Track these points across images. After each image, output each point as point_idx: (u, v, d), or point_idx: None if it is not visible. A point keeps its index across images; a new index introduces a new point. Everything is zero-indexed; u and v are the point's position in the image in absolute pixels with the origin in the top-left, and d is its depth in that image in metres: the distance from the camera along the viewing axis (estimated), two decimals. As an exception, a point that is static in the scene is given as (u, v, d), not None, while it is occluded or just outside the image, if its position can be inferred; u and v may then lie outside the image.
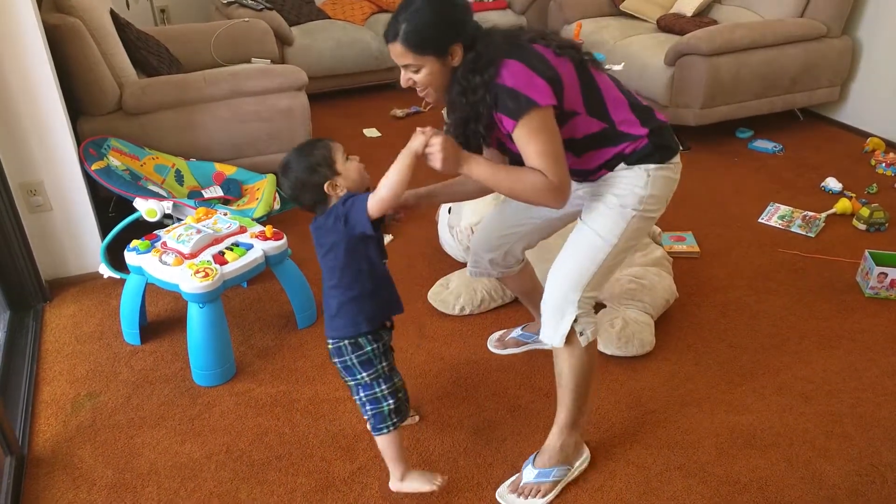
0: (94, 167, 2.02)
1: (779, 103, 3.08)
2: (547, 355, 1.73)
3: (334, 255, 1.24)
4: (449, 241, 2.17)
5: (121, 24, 2.48)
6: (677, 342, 1.84)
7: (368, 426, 1.33)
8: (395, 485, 1.37)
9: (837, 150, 3.00)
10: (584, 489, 1.41)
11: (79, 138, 2.15)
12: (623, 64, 2.93)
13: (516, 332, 1.84)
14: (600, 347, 1.76)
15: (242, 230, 1.83)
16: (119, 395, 1.69)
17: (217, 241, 1.76)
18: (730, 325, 1.91)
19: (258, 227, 1.84)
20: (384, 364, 1.30)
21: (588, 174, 1.32)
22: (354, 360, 1.28)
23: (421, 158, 1.18)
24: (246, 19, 3.09)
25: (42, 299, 2.05)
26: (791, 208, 2.50)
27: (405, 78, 1.24)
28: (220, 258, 1.68)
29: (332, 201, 1.23)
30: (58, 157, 1.99)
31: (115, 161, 2.13)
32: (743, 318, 1.94)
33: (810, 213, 2.46)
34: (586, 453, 1.47)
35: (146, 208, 1.95)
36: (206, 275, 1.61)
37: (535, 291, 1.62)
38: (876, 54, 3.02)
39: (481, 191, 1.43)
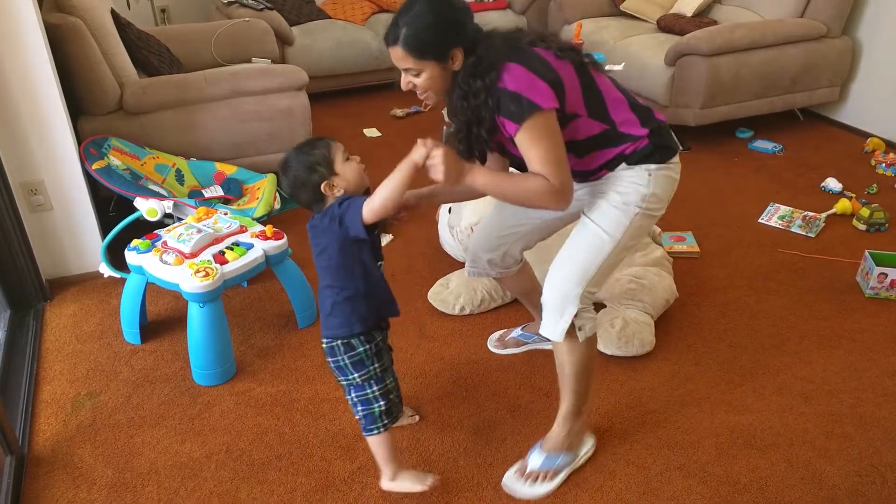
0: (94, 166, 2.02)
1: (779, 103, 3.08)
2: (547, 355, 1.74)
3: (328, 256, 1.24)
4: (449, 240, 2.17)
5: (121, 24, 2.48)
6: (677, 342, 1.84)
7: (360, 426, 1.33)
8: (386, 484, 1.38)
9: (837, 151, 3.00)
10: (584, 489, 1.41)
11: (79, 138, 2.16)
12: (623, 64, 2.93)
13: (516, 331, 1.85)
14: (600, 347, 1.76)
15: (243, 230, 1.83)
16: (119, 394, 1.69)
17: (217, 240, 1.76)
18: (730, 325, 1.91)
19: (258, 227, 1.85)
20: (376, 366, 1.30)
21: (589, 174, 1.33)
22: (347, 361, 1.28)
23: (422, 170, 1.18)
24: (246, 19, 3.09)
25: (42, 298, 2.05)
26: (791, 208, 2.50)
27: (405, 81, 1.24)
28: (220, 258, 1.69)
29: (329, 201, 1.23)
30: (58, 156, 1.99)
31: (115, 160, 2.13)
32: (743, 318, 1.94)
33: (810, 214, 2.46)
34: (591, 442, 1.49)
35: (147, 208, 1.96)
36: (207, 274, 1.61)
37: (534, 291, 1.63)
38: (876, 54, 3.03)
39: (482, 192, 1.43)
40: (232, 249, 1.72)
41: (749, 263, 2.21)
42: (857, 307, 1.98)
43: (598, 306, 1.89)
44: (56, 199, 2.04)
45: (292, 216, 2.26)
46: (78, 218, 2.09)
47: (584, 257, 1.30)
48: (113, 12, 2.48)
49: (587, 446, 1.48)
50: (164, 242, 1.73)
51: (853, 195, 2.57)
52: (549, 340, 1.36)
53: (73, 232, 2.10)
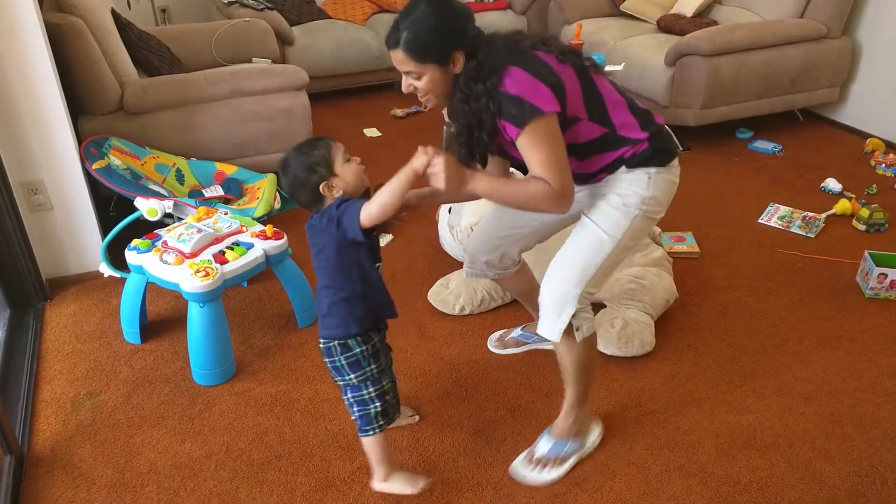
0: (94, 166, 2.02)
1: (779, 104, 3.08)
2: (547, 355, 1.74)
3: (325, 256, 1.24)
4: (449, 240, 2.17)
5: (122, 24, 2.48)
6: (677, 342, 1.85)
7: (356, 427, 1.33)
8: (378, 485, 1.38)
9: (837, 151, 3.00)
10: (584, 489, 1.41)
11: (80, 137, 2.15)
12: (623, 64, 2.93)
13: (516, 332, 1.85)
14: (601, 347, 1.76)
15: (243, 229, 1.83)
16: (119, 394, 1.69)
17: (217, 240, 1.76)
18: (730, 326, 1.91)
19: (258, 227, 1.85)
20: (373, 367, 1.30)
21: (590, 177, 1.33)
22: (343, 362, 1.28)
23: (422, 178, 1.18)
24: (247, 19, 3.09)
25: (42, 298, 2.05)
26: (791, 209, 2.50)
27: (406, 84, 1.24)
28: (220, 257, 1.69)
29: (328, 202, 1.23)
30: (59, 156, 1.99)
31: (115, 160, 2.13)
32: (743, 319, 1.94)
33: (810, 214, 2.46)
34: (598, 429, 1.51)
35: (147, 207, 1.96)
36: (207, 274, 1.61)
37: (532, 292, 1.63)
38: (876, 55, 3.03)
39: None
40: (232, 249, 1.72)
41: (749, 264, 2.21)
42: (856, 307, 1.98)
43: (598, 306, 1.89)
44: (56, 198, 2.04)
45: (292, 216, 2.25)
46: (78, 217, 2.09)
47: (584, 258, 1.30)
48: (113, 12, 2.48)
49: (594, 434, 1.51)
50: (165, 242, 1.73)
51: (853, 196, 2.57)
52: (549, 340, 1.36)
53: (73, 231, 2.10)
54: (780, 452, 1.50)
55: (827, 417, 1.59)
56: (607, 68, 2.74)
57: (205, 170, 2.32)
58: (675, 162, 1.33)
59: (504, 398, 1.66)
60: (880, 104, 3.05)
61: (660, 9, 3.42)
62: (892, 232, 2.38)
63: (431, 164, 1.16)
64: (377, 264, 1.29)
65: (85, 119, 2.25)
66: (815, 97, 3.13)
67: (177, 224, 1.83)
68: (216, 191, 2.20)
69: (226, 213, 1.90)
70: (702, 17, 3.26)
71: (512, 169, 1.43)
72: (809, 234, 2.36)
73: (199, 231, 1.74)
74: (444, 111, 1.40)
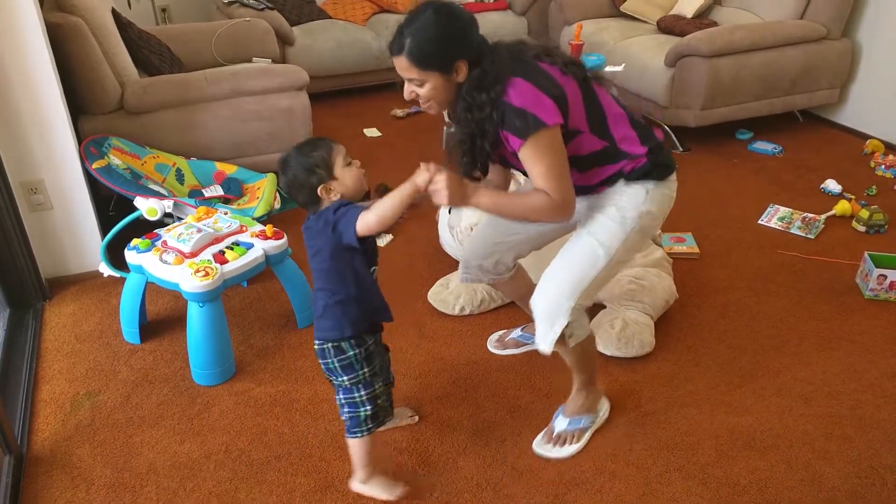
0: (94, 166, 2.02)
1: (779, 105, 3.08)
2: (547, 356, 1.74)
3: (321, 259, 1.24)
4: (449, 241, 2.17)
5: (122, 24, 2.48)
6: (677, 343, 1.84)
7: (344, 427, 1.34)
8: (356, 486, 1.38)
9: (837, 152, 3.00)
10: (584, 490, 1.41)
11: (80, 137, 2.15)
12: (623, 65, 2.93)
13: (516, 332, 1.85)
14: (600, 348, 1.76)
15: (243, 229, 1.83)
16: (118, 394, 1.69)
17: (217, 240, 1.76)
18: (729, 327, 1.91)
19: (258, 227, 1.84)
20: (365, 370, 1.30)
21: (590, 189, 1.35)
22: (336, 364, 1.28)
23: (425, 195, 1.18)
24: (247, 19, 3.09)
25: (42, 298, 2.05)
26: (791, 210, 2.51)
27: (409, 91, 1.24)
28: (220, 257, 1.68)
29: (325, 204, 1.22)
30: (59, 155, 1.99)
31: (115, 160, 2.13)
32: (743, 320, 1.94)
33: (810, 215, 2.46)
34: (607, 403, 1.59)
35: (147, 207, 1.95)
36: (207, 274, 1.61)
37: (529, 295, 1.63)
38: (875, 56, 3.03)
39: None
40: (232, 249, 1.72)
41: (749, 265, 2.21)
42: (856, 309, 1.99)
43: (598, 307, 1.89)
44: (56, 198, 2.04)
45: (292, 216, 2.25)
46: (78, 217, 2.09)
47: (579, 270, 1.32)
48: (114, 12, 2.48)
49: (605, 407, 1.58)
50: (164, 242, 1.73)
51: (853, 197, 2.57)
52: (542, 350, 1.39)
53: (72, 231, 2.10)
54: (779, 454, 1.50)
55: (826, 419, 1.59)
56: (607, 69, 2.74)
57: (205, 169, 2.32)
58: (673, 176, 1.35)
59: (504, 399, 1.66)
60: (880, 105, 3.05)
61: (660, 10, 3.42)
62: (891, 233, 2.38)
63: (433, 180, 1.16)
64: (373, 268, 1.29)
65: (85, 119, 2.25)
66: (815, 98, 3.13)
67: (176, 224, 1.83)
68: (216, 190, 2.20)
69: (226, 213, 1.90)
70: (702, 19, 3.27)
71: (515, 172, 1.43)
72: (809, 236, 2.36)
73: (199, 231, 1.74)
74: (445, 113, 1.40)
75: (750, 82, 2.92)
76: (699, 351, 1.82)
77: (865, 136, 3.08)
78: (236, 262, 1.69)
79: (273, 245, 1.78)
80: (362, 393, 1.30)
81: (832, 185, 2.66)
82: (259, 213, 2.06)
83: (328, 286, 1.26)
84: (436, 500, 1.39)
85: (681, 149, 3.04)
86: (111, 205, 2.30)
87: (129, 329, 1.86)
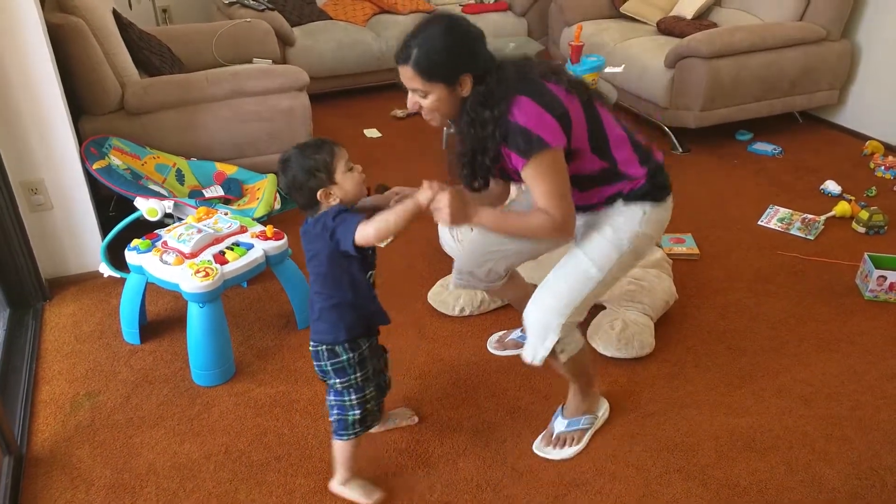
0: (95, 166, 2.02)
1: (778, 106, 3.08)
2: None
3: (318, 263, 1.24)
4: (449, 241, 2.17)
5: (123, 24, 2.48)
6: (677, 344, 1.85)
7: (331, 427, 1.34)
8: (335, 487, 1.39)
9: (837, 153, 3.01)
10: (583, 491, 1.41)
11: (80, 137, 2.15)
12: (623, 66, 2.93)
13: (516, 333, 1.85)
14: (600, 349, 1.77)
15: (243, 230, 1.83)
16: (118, 394, 1.69)
17: (217, 240, 1.76)
18: (729, 328, 1.92)
19: (259, 227, 1.85)
20: (358, 375, 1.30)
21: (589, 208, 1.36)
22: (329, 367, 1.29)
23: (426, 213, 1.18)
24: (248, 20, 3.10)
25: (42, 298, 2.05)
26: (790, 211, 2.51)
27: (412, 101, 1.25)
28: (220, 258, 1.68)
29: (323, 208, 1.22)
30: (59, 155, 1.99)
31: (116, 160, 2.13)
32: (742, 321, 1.94)
33: (810, 216, 2.46)
34: (607, 404, 1.59)
35: (147, 207, 1.95)
36: (207, 274, 1.61)
37: (527, 298, 1.64)
38: (875, 57, 3.03)
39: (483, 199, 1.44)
40: (232, 249, 1.72)
41: (748, 266, 2.21)
42: (856, 310, 1.99)
43: (598, 308, 1.89)
44: (56, 198, 2.04)
45: (292, 217, 2.25)
46: (78, 217, 2.09)
47: (571, 288, 1.33)
48: (114, 12, 2.48)
49: (604, 408, 1.58)
50: (165, 242, 1.73)
51: (852, 198, 2.57)
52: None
53: (73, 231, 2.10)
54: (779, 455, 1.50)
55: (826, 420, 1.59)
56: (607, 70, 2.74)
57: (205, 170, 2.32)
58: (670, 198, 1.37)
59: (504, 400, 1.66)
60: (879, 106, 3.05)
61: (660, 11, 3.43)
62: (891, 234, 2.38)
63: (436, 199, 1.17)
64: (370, 273, 1.29)
65: (86, 119, 2.25)
66: (815, 99, 3.14)
67: (177, 224, 1.83)
68: (216, 191, 2.20)
69: (226, 214, 1.90)
70: (701, 20, 3.27)
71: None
72: (809, 237, 2.36)
73: (199, 231, 1.74)
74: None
75: (750, 83, 2.92)
76: (699, 352, 1.82)
77: (865, 138, 3.08)
78: (236, 263, 1.69)
79: (273, 246, 1.78)
80: (353, 397, 1.30)
81: (832, 187, 2.66)
82: (259, 213, 2.06)
83: (325, 290, 1.26)
84: (436, 501, 1.39)
85: (680, 150, 3.04)
86: (111, 205, 2.30)
87: (129, 329, 1.86)
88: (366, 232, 1.16)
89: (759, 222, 2.46)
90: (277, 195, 2.20)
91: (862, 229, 2.39)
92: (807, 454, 1.50)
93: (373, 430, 1.55)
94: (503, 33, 3.85)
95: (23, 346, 1.85)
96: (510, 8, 4.02)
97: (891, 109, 3.01)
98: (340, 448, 1.35)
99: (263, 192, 2.18)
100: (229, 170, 2.33)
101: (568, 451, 1.48)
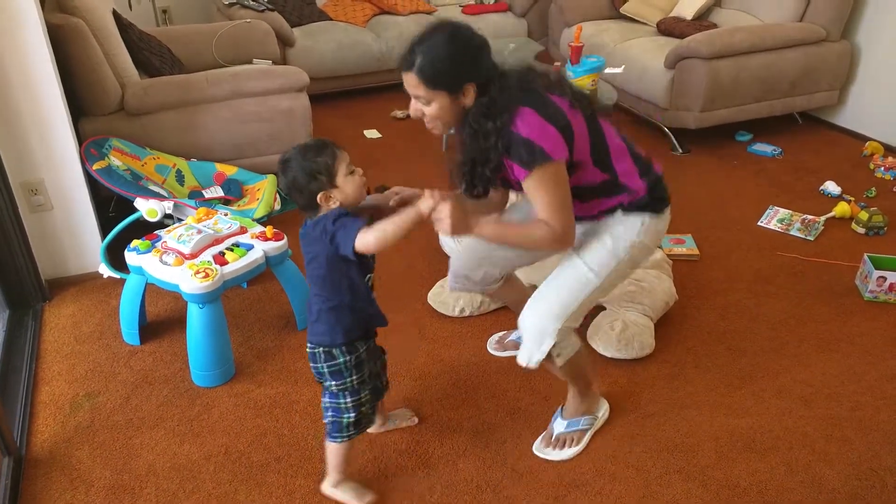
0: (95, 167, 2.02)
1: (778, 107, 3.08)
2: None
3: (317, 265, 1.24)
4: (449, 241, 2.16)
5: (123, 25, 2.48)
6: (677, 345, 1.85)
7: (325, 429, 1.34)
8: (327, 489, 1.39)
9: (836, 154, 3.01)
10: (583, 492, 1.41)
11: (80, 138, 2.15)
12: (623, 67, 2.93)
13: (516, 334, 1.85)
14: (600, 350, 1.77)
15: (243, 231, 1.83)
16: (118, 395, 1.69)
17: (217, 241, 1.76)
18: (729, 328, 1.92)
19: (258, 228, 1.85)
20: (354, 378, 1.30)
21: (589, 218, 1.37)
22: (325, 369, 1.29)
23: (428, 222, 1.18)
24: (248, 20, 3.10)
25: (41, 299, 2.05)
26: (790, 212, 2.51)
27: (415, 108, 1.25)
28: (220, 258, 1.68)
29: (323, 211, 1.21)
30: (59, 156, 1.99)
31: (116, 161, 2.13)
32: (742, 321, 1.94)
33: (809, 217, 2.46)
34: (606, 405, 1.59)
35: (147, 208, 1.95)
36: (207, 275, 1.61)
37: (524, 301, 1.63)
38: (875, 58, 3.03)
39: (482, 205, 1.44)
40: (232, 250, 1.72)
41: (748, 266, 2.21)
42: (856, 310, 1.99)
43: (599, 308, 1.89)
44: (56, 199, 2.04)
45: (292, 217, 2.25)
46: (78, 218, 2.09)
47: (568, 293, 1.33)
48: (115, 13, 2.48)
49: (603, 408, 1.58)
50: (164, 243, 1.73)
51: (852, 198, 2.58)
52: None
53: (72, 232, 2.10)
54: (779, 455, 1.50)
55: (826, 421, 1.59)
56: (607, 71, 2.74)
57: (205, 171, 2.32)
58: (668, 210, 1.38)
59: (504, 400, 1.66)
60: (879, 107, 3.06)
61: (659, 11, 3.43)
62: (891, 235, 2.38)
63: (437, 209, 1.17)
64: (369, 276, 1.29)
65: (86, 120, 2.25)
66: (815, 100, 3.14)
67: (177, 225, 1.83)
68: (216, 192, 2.20)
69: (226, 214, 1.90)
70: (701, 20, 3.27)
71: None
72: (809, 237, 2.36)
73: (199, 232, 1.74)
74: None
75: (749, 84, 2.92)
76: (699, 353, 1.82)
77: (865, 138, 3.08)
78: (236, 264, 1.69)
79: (273, 246, 1.78)
80: (348, 400, 1.30)
81: (831, 187, 2.66)
82: (259, 214, 2.06)
83: (323, 292, 1.26)
84: (436, 502, 1.39)
85: (680, 150, 3.04)
86: (111, 206, 2.30)
87: (128, 330, 1.86)
88: (366, 239, 1.16)
89: (759, 223, 2.46)
90: (277, 196, 2.20)
91: (862, 230, 2.39)
92: (807, 455, 1.50)
93: (372, 431, 1.55)
94: (503, 34, 3.85)
95: (22, 346, 1.85)
96: (510, 9, 4.02)
97: (890, 110, 3.01)
98: (334, 450, 1.35)
99: (263, 192, 2.18)
100: (229, 170, 2.33)
101: (568, 452, 1.49)
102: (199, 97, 2.33)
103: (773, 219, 2.48)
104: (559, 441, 1.50)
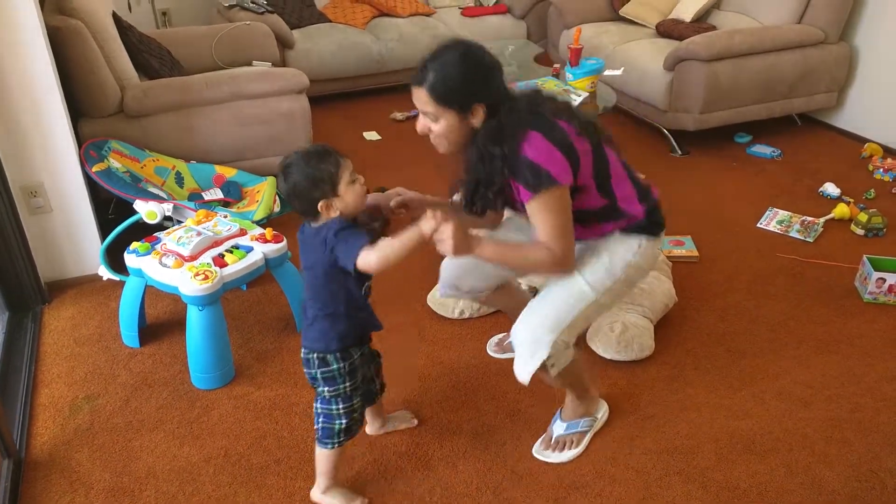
0: (94, 169, 2.02)
1: (777, 108, 3.09)
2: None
3: (314, 275, 1.23)
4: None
5: (123, 27, 2.48)
6: (676, 347, 1.85)
7: (315, 434, 1.33)
8: (316, 495, 1.38)
9: (835, 156, 3.01)
10: (583, 494, 1.41)
11: (80, 140, 2.15)
12: (622, 69, 2.94)
13: (516, 336, 1.84)
14: (600, 352, 1.77)
15: (242, 233, 1.83)
16: (117, 397, 1.69)
17: (217, 243, 1.76)
18: (729, 330, 1.92)
19: (258, 230, 1.85)
20: (347, 384, 1.29)
21: (588, 239, 1.38)
22: (319, 375, 1.28)
23: (429, 243, 1.19)
24: (247, 22, 3.10)
25: (41, 301, 2.05)
26: (789, 213, 2.51)
27: (422, 125, 1.25)
28: (219, 261, 1.68)
29: (323, 219, 1.20)
30: (58, 158, 1.99)
31: (115, 163, 2.13)
32: (742, 323, 1.95)
33: (809, 218, 2.47)
34: (605, 406, 1.60)
35: (146, 210, 1.95)
36: (206, 277, 1.61)
37: (518, 307, 1.63)
38: (873, 60, 3.04)
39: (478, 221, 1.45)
40: (231, 252, 1.72)
41: (748, 268, 2.21)
42: (855, 312, 1.99)
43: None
44: (56, 201, 2.04)
45: (292, 219, 2.24)
46: (77, 220, 2.09)
47: (563, 305, 1.33)
48: (114, 15, 2.49)
49: (603, 410, 1.59)
50: (164, 245, 1.73)
51: (851, 200, 2.58)
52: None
53: (72, 234, 2.10)
54: (779, 457, 1.50)
55: (826, 422, 1.59)
56: (606, 73, 2.75)
57: (204, 173, 2.32)
58: (663, 234, 1.41)
59: (503, 402, 1.66)
60: (878, 109, 3.06)
61: (659, 13, 3.44)
62: (890, 236, 2.38)
63: (439, 230, 1.17)
64: (366, 284, 1.28)
65: (85, 122, 2.25)
66: (813, 102, 3.14)
67: (176, 227, 1.83)
68: (216, 194, 2.20)
69: (225, 217, 1.90)
70: (700, 22, 3.28)
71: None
72: (808, 239, 2.36)
73: (199, 234, 1.74)
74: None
75: (748, 86, 2.93)
76: (698, 354, 1.82)
77: (863, 140, 3.08)
78: (236, 266, 1.69)
79: (272, 248, 1.78)
80: (340, 406, 1.30)
81: (831, 189, 2.66)
82: (258, 216, 2.06)
83: (319, 300, 1.25)
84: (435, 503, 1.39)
85: (680, 152, 3.05)
86: (110, 208, 2.30)
87: (128, 332, 1.86)
88: (368, 259, 1.15)
89: (759, 224, 2.47)
90: (277, 198, 2.20)
91: (861, 231, 2.39)
92: (807, 456, 1.50)
93: (372, 433, 1.55)
94: (502, 36, 3.86)
95: (22, 349, 1.85)
96: (509, 11, 4.02)
97: (889, 112, 3.01)
98: (324, 456, 1.34)
99: (263, 194, 2.18)
100: (229, 172, 2.33)
101: (567, 454, 1.49)
102: (198, 99, 2.33)
103: (773, 220, 2.48)
104: (559, 443, 1.50)
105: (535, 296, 1.41)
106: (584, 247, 1.37)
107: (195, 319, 1.64)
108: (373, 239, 1.19)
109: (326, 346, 1.26)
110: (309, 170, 1.17)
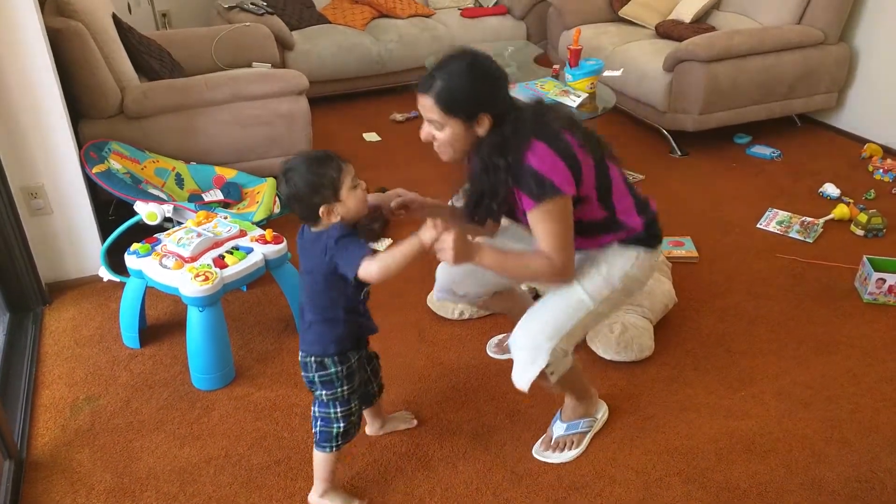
0: (94, 170, 2.03)
1: (777, 109, 3.09)
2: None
3: (313, 279, 1.23)
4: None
5: (123, 29, 2.49)
6: (676, 347, 1.85)
7: (314, 438, 1.33)
8: (313, 499, 1.39)
9: (835, 156, 3.01)
10: (583, 495, 1.41)
11: (80, 142, 2.16)
12: (622, 70, 2.94)
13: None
14: (600, 353, 1.77)
15: (242, 234, 1.83)
16: (118, 398, 1.69)
17: (217, 244, 1.76)
18: (728, 331, 1.92)
19: (258, 231, 1.85)
20: (345, 388, 1.29)
21: (587, 249, 1.39)
22: (316, 378, 1.28)
23: (430, 252, 1.19)
24: (247, 24, 3.11)
25: (41, 302, 2.05)
26: (789, 214, 2.51)
27: (426, 132, 1.25)
28: (220, 262, 1.69)
29: (323, 224, 1.20)
30: (59, 160, 2.00)
31: (115, 164, 2.13)
32: (742, 324, 1.95)
33: (808, 219, 2.47)
34: (605, 407, 1.60)
35: (146, 211, 1.96)
36: (206, 278, 1.62)
37: (520, 311, 1.63)
38: (873, 61, 3.04)
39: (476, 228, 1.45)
40: (231, 253, 1.72)
41: (748, 268, 2.22)
42: (855, 312, 1.99)
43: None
44: (56, 202, 2.04)
45: (292, 220, 2.24)
46: (78, 222, 2.09)
47: (562, 313, 1.34)
48: (114, 16, 2.49)
49: (602, 410, 1.59)
50: (164, 246, 1.73)
51: (851, 200, 2.58)
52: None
53: (72, 236, 2.10)
54: (779, 457, 1.50)
55: (826, 422, 1.59)
56: (606, 74, 2.75)
57: (204, 174, 2.32)
58: (660, 247, 1.42)
59: (503, 403, 1.66)
60: (878, 110, 3.06)
61: (658, 14, 3.44)
62: (890, 237, 2.38)
63: (440, 239, 1.17)
64: (365, 289, 1.28)
65: (85, 123, 2.26)
66: (813, 103, 3.14)
67: (176, 228, 1.83)
68: (216, 195, 2.21)
69: (225, 218, 1.91)
70: (700, 23, 3.28)
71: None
72: (808, 239, 2.36)
73: (199, 235, 1.74)
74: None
75: (748, 87, 2.93)
76: (698, 355, 1.82)
77: (863, 141, 3.08)
78: (236, 267, 1.69)
79: (273, 250, 1.78)
80: (338, 410, 1.30)
81: (830, 189, 2.66)
82: (258, 217, 2.06)
83: (317, 305, 1.25)
84: (435, 505, 1.39)
85: (679, 153, 3.05)
86: (111, 209, 2.30)
87: (128, 333, 1.86)
88: (369, 270, 1.15)
89: (758, 225, 2.47)
90: (277, 199, 2.20)
91: (861, 232, 2.39)
92: (806, 457, 1.50)
93: (372, 434, 1.55)
94: (502, 37, 3.86)
95: (23, 350, 1.85)
96: (509, 11, 4.03)
97: (889, 112, 3.01)
98: (321, 459, 1.34)
99: (263, 195, 2.19)
100: (229, 174, 2.33)
101: (567, 455, 1.49)
102: (198, 101, 2.34)
103: (772, 221, 2.48)
104: (559, 444, 1.50)
105: (535, 298, 1.42)
106: (584, 257, 1.38)
107: (195, 320, 1.64)
108: (372, 239, 1.19)
109: (324, 350, 1.26)
110: (310, 175, 1.17)
